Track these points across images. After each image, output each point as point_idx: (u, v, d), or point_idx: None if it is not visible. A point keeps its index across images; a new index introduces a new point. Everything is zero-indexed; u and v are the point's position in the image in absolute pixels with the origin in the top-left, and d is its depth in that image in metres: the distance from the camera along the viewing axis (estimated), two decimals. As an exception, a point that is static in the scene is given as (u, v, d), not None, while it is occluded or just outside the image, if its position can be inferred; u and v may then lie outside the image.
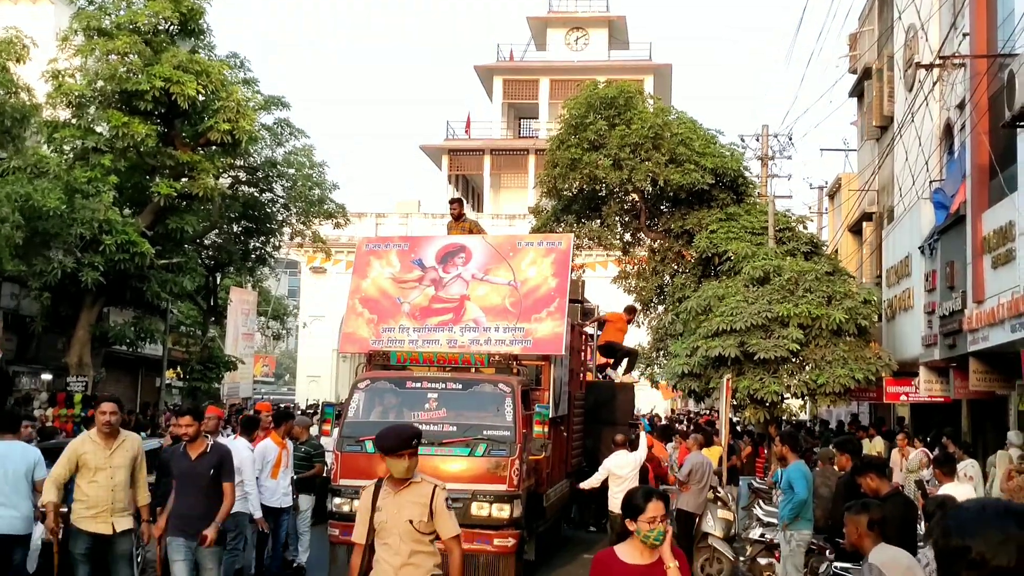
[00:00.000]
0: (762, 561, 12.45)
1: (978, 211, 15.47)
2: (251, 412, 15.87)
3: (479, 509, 11.40)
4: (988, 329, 14.73)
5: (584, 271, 26.92)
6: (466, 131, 52.81)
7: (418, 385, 12.16)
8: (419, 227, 45.88)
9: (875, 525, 5.67)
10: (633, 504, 5.03)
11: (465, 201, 53.20)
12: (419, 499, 5.95)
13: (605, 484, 13.72)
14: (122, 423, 9.02)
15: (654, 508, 4.96)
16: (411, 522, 5.89)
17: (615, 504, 13.20)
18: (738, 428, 23.65)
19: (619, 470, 13.37)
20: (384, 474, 6.11)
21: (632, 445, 13.80)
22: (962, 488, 9.77)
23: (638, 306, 23.29)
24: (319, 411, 22.32)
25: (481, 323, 13.26)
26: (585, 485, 14.05)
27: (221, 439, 10.18)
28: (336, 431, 12.66)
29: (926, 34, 18.63)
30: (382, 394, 12.40)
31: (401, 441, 5.96)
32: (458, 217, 16.68)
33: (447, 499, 6.00)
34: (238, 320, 29.89)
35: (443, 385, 12.11)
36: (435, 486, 6.02)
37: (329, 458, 13.34)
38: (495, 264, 13.82)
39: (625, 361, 19.92)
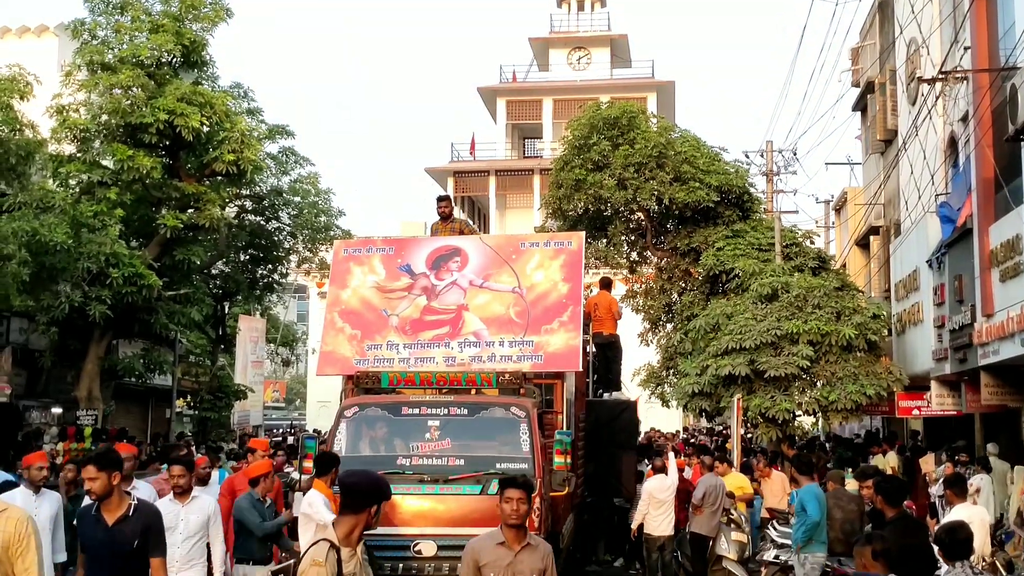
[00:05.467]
0: (777, 583, 12.37)
1: (984, 224, 15.40)
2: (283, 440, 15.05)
3: None
4: (998, 343, 14.64)
5: (591, 290, 26.82)
6: (471, 152, 52.93)
7: (416, 411, 10.49)
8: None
9: (879, 556, 5.64)
10: None
11: (470, 221, 53.30)
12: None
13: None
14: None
15: None
16: None
17: (652, 527, 13.25)
18: (751, 446, 23.54)
19: (659, 494, 13.32)
20: (350, 533, 5.00)
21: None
22: (974, 510, 9.67)
23: (611, 276, 20.98)
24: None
25: (483, 337, 11.56)
26: (635, 524, 13.55)
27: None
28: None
29: (927, 48, 18.62)
30: (373, 423, 10.66)
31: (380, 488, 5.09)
32: (446, 217, 14.57)
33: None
34: (247, 348, 29.99)
35: (445, 411, 10.46)
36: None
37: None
38: (496, 268, 12.09)
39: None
